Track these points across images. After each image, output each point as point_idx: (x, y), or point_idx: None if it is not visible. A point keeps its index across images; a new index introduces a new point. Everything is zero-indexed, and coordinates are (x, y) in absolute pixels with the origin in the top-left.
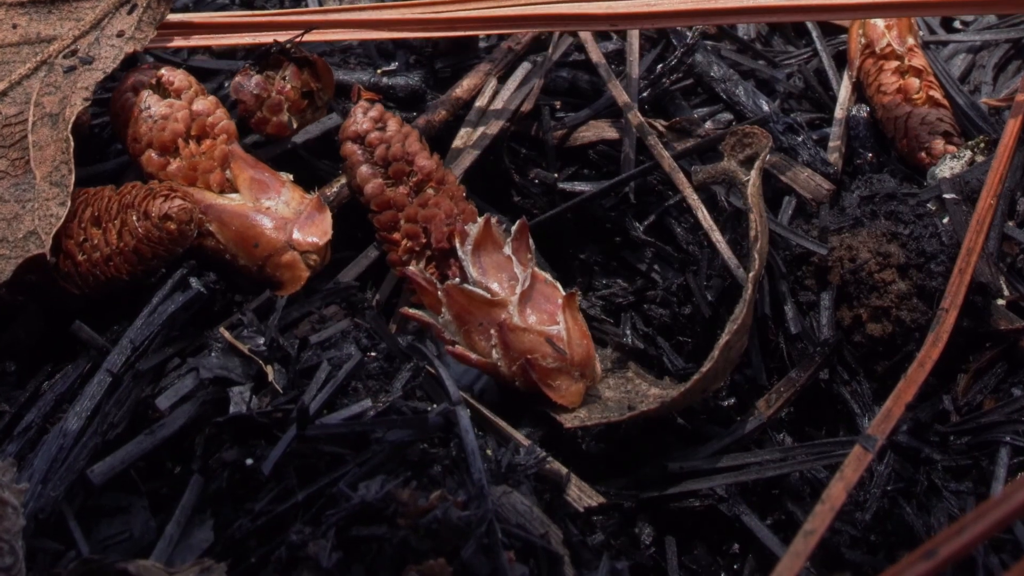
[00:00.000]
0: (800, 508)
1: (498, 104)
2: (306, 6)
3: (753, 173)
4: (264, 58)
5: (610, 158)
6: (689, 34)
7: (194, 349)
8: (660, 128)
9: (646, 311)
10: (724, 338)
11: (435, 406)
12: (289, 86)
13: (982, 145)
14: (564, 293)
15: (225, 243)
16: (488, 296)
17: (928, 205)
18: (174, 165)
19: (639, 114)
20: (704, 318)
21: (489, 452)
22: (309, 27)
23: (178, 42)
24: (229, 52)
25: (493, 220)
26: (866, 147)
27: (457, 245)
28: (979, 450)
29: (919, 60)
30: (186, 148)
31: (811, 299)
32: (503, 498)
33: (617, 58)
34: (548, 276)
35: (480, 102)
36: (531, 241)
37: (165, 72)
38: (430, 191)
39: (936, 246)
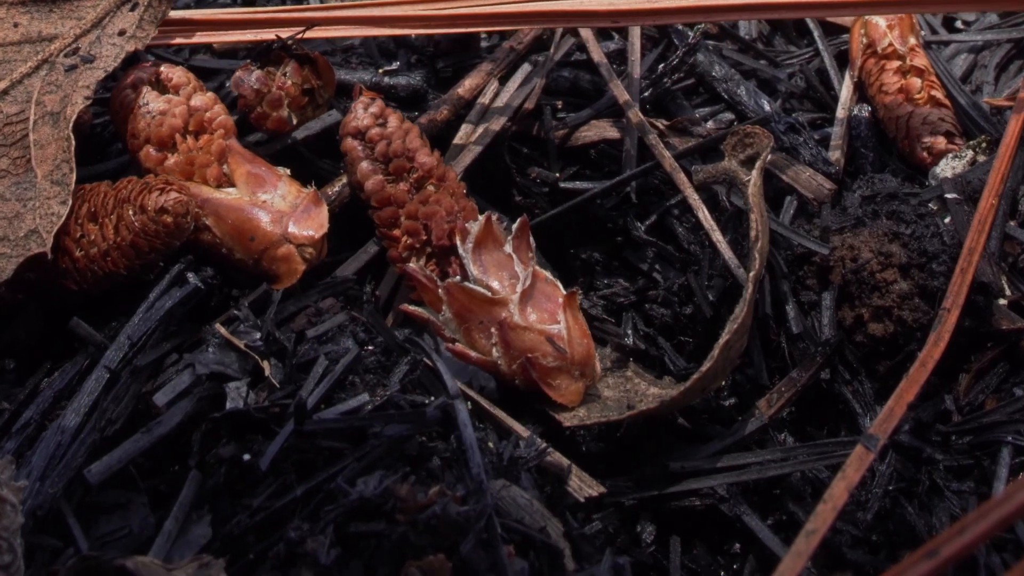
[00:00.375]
0: (801, 508)
1: (500, 103)
2: (308, 3)
3: (754, 173)
4: (265, 54)
5: (611, 157)
6: (691, 34)
7: (191, 344)
8: (661, 128)
9: (647, 311)
10: (724, 337)
11: (433, 400)
12: (290, 82)
13: (984, 145)
14: (565, 292)
15: (221, 237)
16: (489, 294)
17: (930, 205)
18: (172, 160)
19: (640, 114)
20: (705, 318)
21: (491, 445)
22: (311, 24)
23: (180, 40)
24: (230, 51)
25: (494, 218)
26: (868, 147)
27: (458, 243)
28: (981, 450)
29: (921, 60)
30: (184, 143)
31: (813, 299)
32: (503, 492)
33: (619, 58)
34: (549, 275)
35: (482, 100)
36: (532, 240)
37: (164, 68)
38: (431, 188)
39: (938, 246)
